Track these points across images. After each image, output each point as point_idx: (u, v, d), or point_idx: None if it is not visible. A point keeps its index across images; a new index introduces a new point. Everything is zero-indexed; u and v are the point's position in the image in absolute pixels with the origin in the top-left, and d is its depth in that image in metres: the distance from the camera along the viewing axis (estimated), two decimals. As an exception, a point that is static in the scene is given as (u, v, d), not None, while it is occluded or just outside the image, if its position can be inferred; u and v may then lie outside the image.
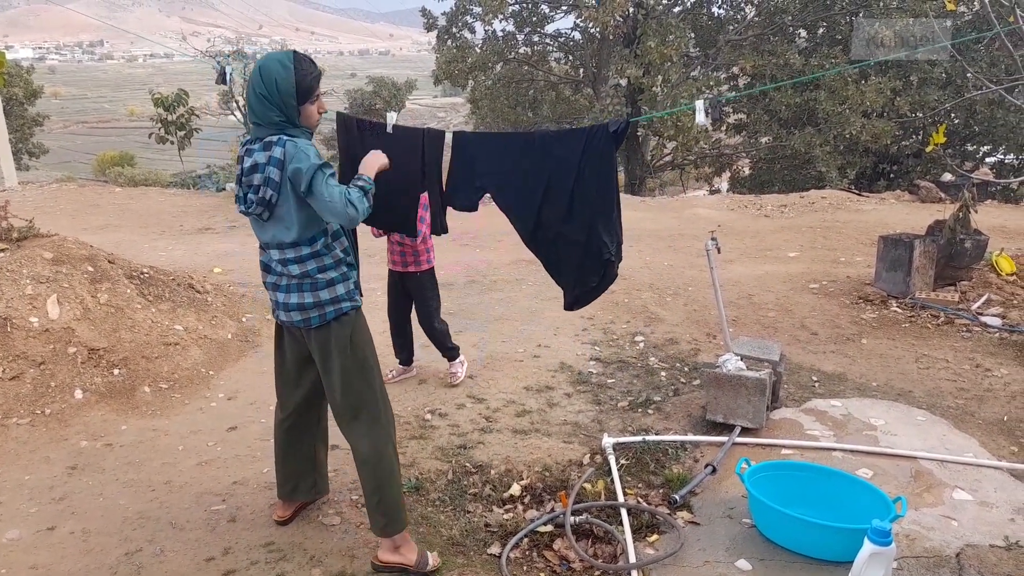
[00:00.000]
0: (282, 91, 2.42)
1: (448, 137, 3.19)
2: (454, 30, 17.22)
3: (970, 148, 16.24)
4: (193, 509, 3.11)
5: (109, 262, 4.88)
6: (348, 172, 3.09)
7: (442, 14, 17.24)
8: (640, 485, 3.29)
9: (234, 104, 16.61)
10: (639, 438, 3.62)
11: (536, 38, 18.58)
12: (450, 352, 4.40)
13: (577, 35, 18.44)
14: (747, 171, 18.65)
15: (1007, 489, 3.14)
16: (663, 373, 4.58)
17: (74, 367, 4.13)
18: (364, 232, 3.40)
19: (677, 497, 3.09)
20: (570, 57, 19.31)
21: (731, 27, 16.35)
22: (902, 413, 3.89)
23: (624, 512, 3.00)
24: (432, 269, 4.24)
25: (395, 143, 3.05)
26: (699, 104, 3.39)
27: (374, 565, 2.69)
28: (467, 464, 3.46)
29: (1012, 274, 5.91)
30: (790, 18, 15.06)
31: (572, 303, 3.40)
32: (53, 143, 28.01)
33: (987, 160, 16.11)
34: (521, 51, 18.30)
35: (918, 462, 3.35)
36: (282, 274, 2.58)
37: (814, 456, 3.41)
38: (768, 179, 17.35)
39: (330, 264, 2.57)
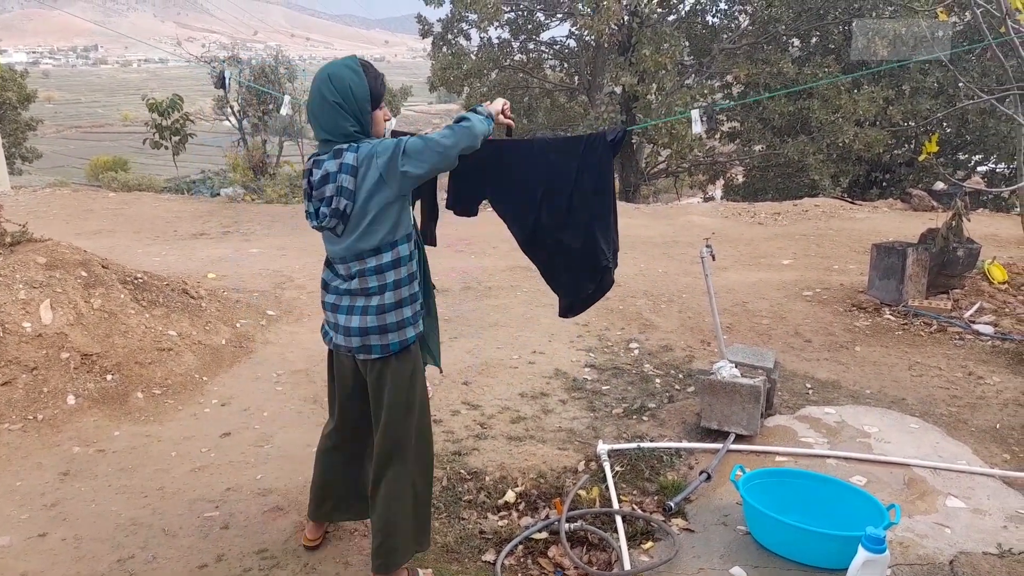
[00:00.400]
0: (358, 98, 2.31)
1: None
2: (450, 37, 17.26)
3: (962, 157, 16.36)
4: (186, 516, 3.09)
5: (103, 267, 4.87)
6: None
7: (438, 21, 17.28)
8: (635, 492, 3.29)
9: (228, 109, 16.62)
10: (634, 445, 3.62)
11: (531, 45, 18.64)
12: None
13: (572, 43, 18.51)
14: (741, 179, 18.73)
15: (1000, 497, 3.16)
16: (658, 380, 4.58)
17: (67, 372, 4.11)
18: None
19: (672, 504, 3.09)
20: (565, 64, 19.38)
21: (725, 36, 16.44)
22: (895, 420, 3.91)
23: (619, 519, 3.00)
24: None
25: None
26: (695, 114, 3.41)
27: None
28: (462, 471, 3.46)
29: (1004, 282, 5.95)
30: (783, 27, 15.14)
31: (567, 310, 3.40)
32: (46, 148, 27.93)
33: (979, 169, 16.21)
34: (516, 58, 18.36)
35: (911, 469, 3.36)
36: (346, 292, 2.43)
37: (808, 463, 3.42)
38: (762, 187, 17.43)
39: (405, 279, 2.42)
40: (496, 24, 16.31)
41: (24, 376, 4.00)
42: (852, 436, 3.70)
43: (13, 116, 21.78)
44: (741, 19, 16.60)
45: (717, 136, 17.49)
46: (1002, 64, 5.37)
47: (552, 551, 2.88)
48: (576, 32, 17.35)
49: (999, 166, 15.61)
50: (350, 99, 2.30)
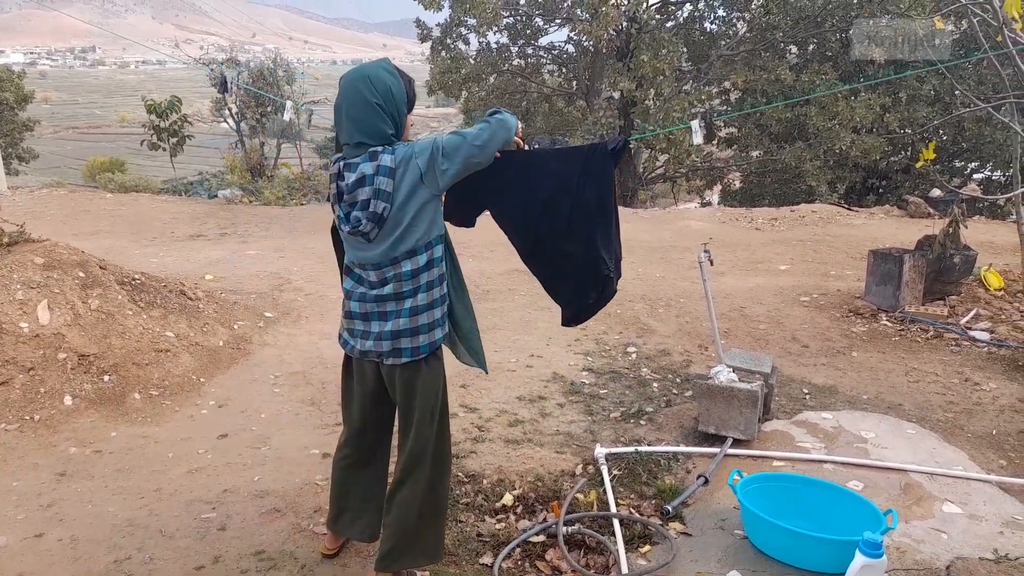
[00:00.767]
0: (397, 99, 2.29)
1: None
2: (448, 41, 17.28)
3: (958, 164, 16.42)
4: (183, 517, 3.08)
5: (100, 268, 4.86)
6: None
7: (436, 25, 17.31)
8: (632, 496, 3.29)
9: (227, 112, 16.64)
10: (631, 449, 3.63)
11: (530, 50, 18.67)
12: None
13: (571, 48, 18.55)
14: (738, 184, 18.77)
15: (996, 502, 3.17)
16: (655, 384, 4.59)
17: (64, 373, 4.10)
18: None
19: (669, 508, 3.09)
20: (563, 70, 19.42)
21: (723, 42, 16.50)
22: (892, 426, 3.92)
23: (616, 522, 3.00)
24: None
25: None
26: (694, 124, 3.43)
27: None
28: (459, 473, 3.45)
29: (1000, 289, 5.98)
30: (781, 34, 15.20)
31: (570, 319, 3.40)
32: (43, 148, 27.85)
33: (974, 176, 16.29)
34: (515, 63, 18.38)
35: (908, 475, 3.37)
36: (378, 298, 2.38)
37: (805, 468, 3.43)
38: (759, 192, 17.47)
39: (436, 280, 2.41)
40: (495, 29, 16.34)
41: (21, 376, 3.99)
42: (849, 441, 3.71)
43: (10, 116, 21.72)
44: (739, 26, 16.66)
45: (715, 142, 17.53)
46: (998, 73, 5.40)
47: (550, 554, 2.88)
48: (575, 37, 17.39)
49: (995, 174, 15.68)
50: (390, 100, 2.28)
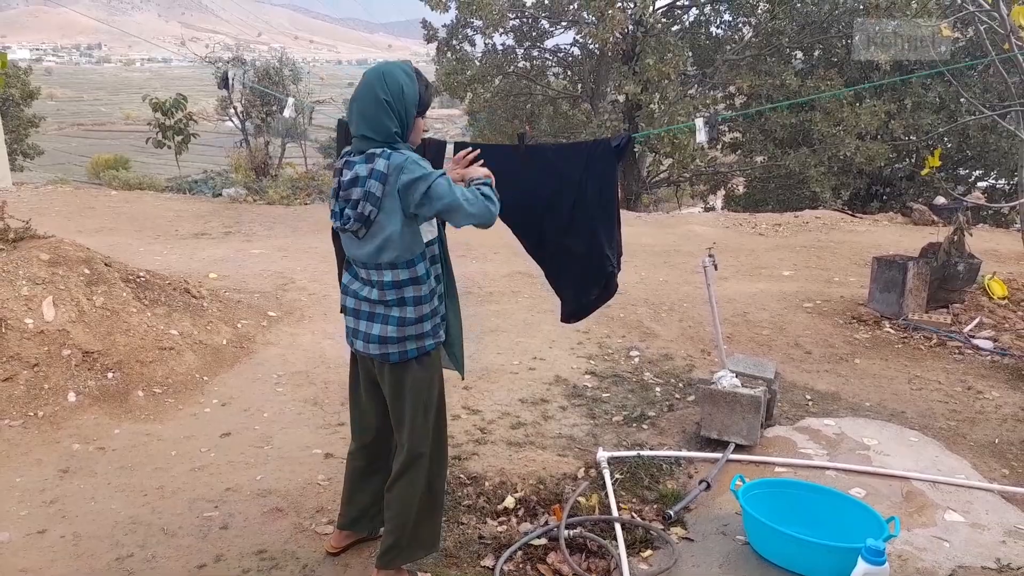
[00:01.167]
0: (407, 98, 2.32)
1: (449, 149, 3.20)
2: (454, 42, 17.30)
3: (962, 172, 16.41)
4: (185, 515, 3.09)
5: (106, 265, 4.87)
6: None
7: (443, 26, 17.33)
8: (634, 500, 3.29)
9: (232, 110, 16.66)
10: (634, 453, 3.63)
11: (535, 53, 18.68)
12: None
13: (576, 51, 18.56)
14: (741, 189, 18.77)
15: (998, 511, 3.17)
16: (658, 388, 4.59)
17: (68, 369, 4.11)
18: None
19: (671, 513, 3.09)
20: (569, 72, 19.42)
21: (729, 47, 16.50)
22: (895, 433, 3.91)
23: (618, 527, 3.00)
24: None
25: None
26: (699, 123, 3.43)
27: None
28: (461, 475, 3.46)
29: (1004, 298, 5.97)
30: (787, 40, 15.20)
31: (570, 315, 3.41)
32: (47, 145, 27.88)
33: (979, 184, 16.27)
34: (520, 65, 18.39)
35: (910, 482, 3.36)
36: (366, 299, 2.42)
37: (807, 474, 3.43)
38: (762, 198, 17.46)
39: (426, 295, 2.40)
40: (501, 30, 16.36)
41: (25, 372, 4.00)
42: (851, 448, 3.71)
43: (16, 112, 21.78)
44: (745, 31, 16.66)
45: (719, 146, 17.53)
46: (1005, 80, 5.40)
47: (551, 558, 2.88)
48: (580, 40, 17.40)
49: (999, 182, 15.66)
50: (399, 99, 2.30)
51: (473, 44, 17.54)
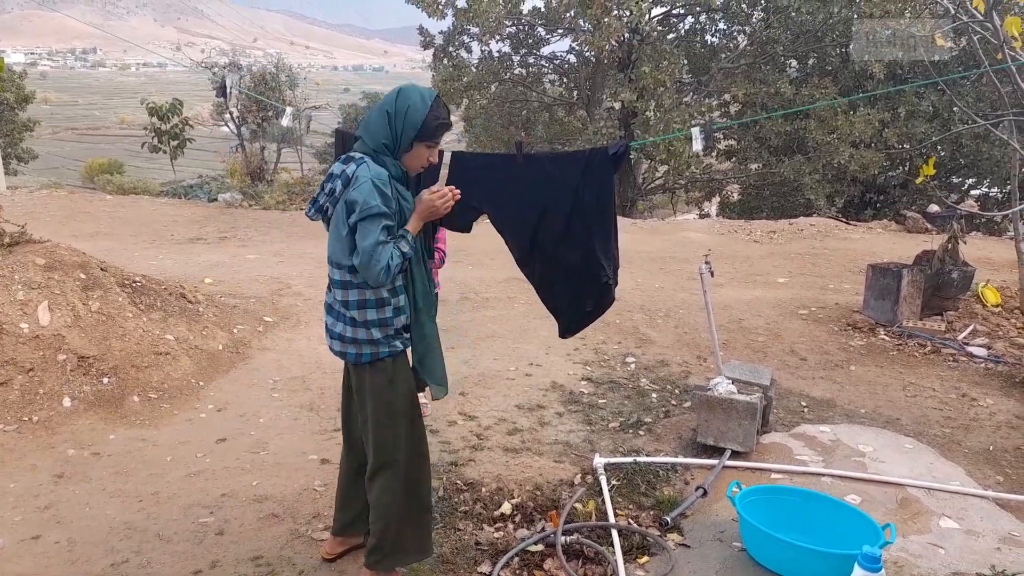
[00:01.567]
0: (408, 119, 2.34)
1: (446, 156, 3.21)
2: (451, 49, 17.34)
3: (956, 180, 16.51)
4: (181, 521, 3.08)
5: (101, 270, 4.86)
6: None
7: (439, 33, 17.37)
8: (631, 506, 3.29)
9: (228, 116, 16.65)
10: (630, 459, 3.63)
11: (532, 60, 18.72)
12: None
13: (572, 58, 18.62)
14: (736, 196, 18.84)
15: (993, 518, 3.18)
16: (654, 395, 4.60)
17: (63, 374, 4.09)
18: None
19: (668, 519, 3.10)
20: (565, 79, 19.47)
21: (724, 55, 16.57)
22: (890, 440, 3.93)
23: (615, 533, 3.00)
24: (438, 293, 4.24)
25: None
26: (695, 131, 3.45)
27: None
28: (458, 481, 3.45)
29: (997, 305, 6.00)
30: (781, 48, 15.28)
31: (565, 330, 3.40)
32: (41, 149, 27.76)
33: (972, 193, 16.36)
34: (516, 72, 18.44)
35: (905, 489, 3.38)
36: (333, 297, 2.49)
37: (803, 481, 3.44)
38: (757, 205, 17.53)
39: (371, 302, 2.41)
40: (497, 37, 16.41)
41: (20, 377, 3.98)
42: (847, 455, 3.72)
43: (10, 116, 21.71)
44: (740, 39, 16.74)
45: (714, 154, 17.61)
46: (997, 90, 5.44)
47: (548, 564, 2.88)
48: (576, 48, 17.45)
49: (992, 190, 15.76)
50: (401, 116, 2.34)
51: (469, 51, 17.58)
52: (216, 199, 13.03)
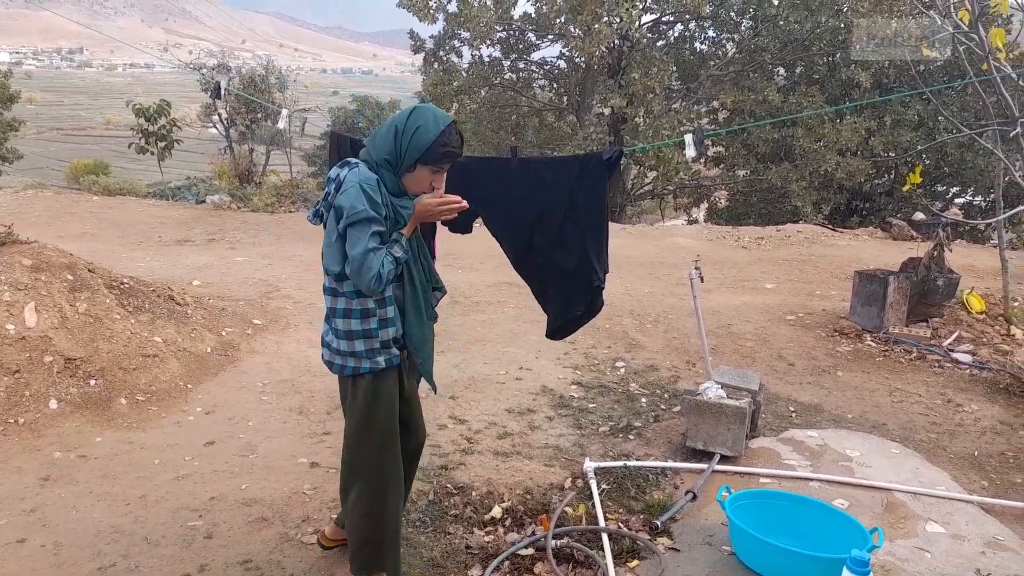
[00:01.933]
0: (415, 139, 2.26)
1: None
2: (441, 53, 17.37)
3: (941, 189, 16.69)
4: (169, 524, 3.05)
5: (89, 271, 4.82)
6: None
7: (430, 37, 17.40)
8: (621, 510, 3.30)
9: (216, 117, 16.57)
10: (620, 463, 3.64)
11: (522, 65, 18.81)
12: None
13: (562, 64, 18.70)
14: (724, 203, 18.96)
15: (978, 523, 3.21)
16: (644, 399, 4.61)
17: (50, 376, 4.06)
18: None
19: (658, 523, 3.11)
20: (555, 85, 19.56)
21: (712, 63, 16.71)
22: (876, 445, 3.96)
23: (605, 537, 3.01)
24: None
25: None
26: (688, 138, 3.48)
27: None
28: (448, 485, 3.45)
29: (982, 312, 6.08)
30: (769, 57, 15.43)
31: (554, 332, 3.42)
32: (26, 149, 27.46)
33: (956, 201, 16.55)
34: (506, 77, 18.50)
35: (892, 494, 3.40)
36: (326, 305, 2.46)
37: (791, 485, 3.46)
38: (744, 211, 17.65)
39: (356, 312, 2.36)
40: (488, 42, 16.46)
41: (6, 379, 3.94)
42: (834, 459, 3.75)
43: (-5, 116, 21.48)
44: (728, 47, 16.88)
45: (703, 160, 17.72)
46: (982, 99, 5.51)
47: (538, 568, 2.88)
48: (567, 53, 17.54)
49: (976, 199, 15.95)
50: (408, 135, 2.26)
51: (460, 55, 17.62)
52: (204, 201, 12.96)
